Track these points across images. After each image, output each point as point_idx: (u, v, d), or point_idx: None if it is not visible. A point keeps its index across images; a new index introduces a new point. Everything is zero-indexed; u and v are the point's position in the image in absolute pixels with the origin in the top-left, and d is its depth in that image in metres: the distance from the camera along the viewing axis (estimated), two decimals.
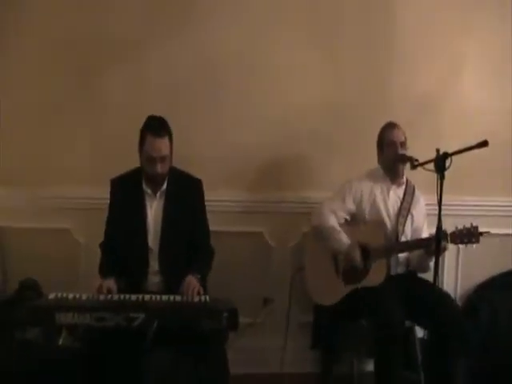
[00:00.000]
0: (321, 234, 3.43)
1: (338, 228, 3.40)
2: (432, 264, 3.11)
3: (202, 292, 2.97)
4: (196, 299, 2.88)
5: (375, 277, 3.31)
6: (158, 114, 3.16)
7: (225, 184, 3.82)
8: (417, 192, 3.56)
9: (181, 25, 3.78)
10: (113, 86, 3.78)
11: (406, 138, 3.48)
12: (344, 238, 3.36)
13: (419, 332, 3.50)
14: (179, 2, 3.79)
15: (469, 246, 3.24)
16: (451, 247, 3.30)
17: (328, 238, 3.40)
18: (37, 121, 3.77)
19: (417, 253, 3.41)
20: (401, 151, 3.42)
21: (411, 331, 3.46)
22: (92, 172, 3.75)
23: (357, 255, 3.32)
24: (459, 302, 3.91)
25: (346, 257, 3.34)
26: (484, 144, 2.90)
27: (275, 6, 3.83)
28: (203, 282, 3.11)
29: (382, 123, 3.57)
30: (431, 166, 2.98)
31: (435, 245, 2.98)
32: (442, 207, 2.90)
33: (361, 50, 3.93)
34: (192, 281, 3.01)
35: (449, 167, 2.91)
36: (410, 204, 3.51)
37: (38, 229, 3.74)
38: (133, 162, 3.19)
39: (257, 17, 3.82)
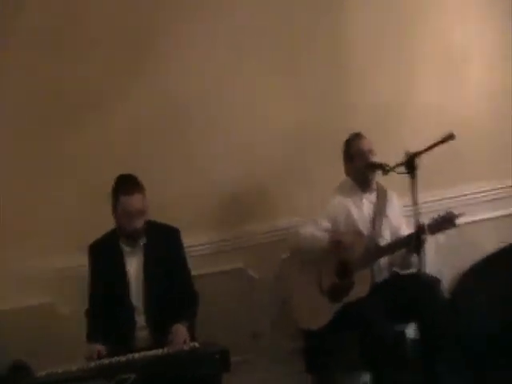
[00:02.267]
0: (301, 248, 3.42)
1: (314, 232, 3.37)
2: (414, 258, 3.15)
3: (187, 341, 2.96)
4: (186, 347, 2.85)
5: (361, 287, 3.29)
6: (125, 164, 3.28)
7: (197, 226, 3.79)
8: (389, 192, 3.57)
9: (140, 72, 3.78)
10: (76, 146, 3.71)
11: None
12: (322, 235, 3.34)
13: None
14: (136, 50, 3.78)
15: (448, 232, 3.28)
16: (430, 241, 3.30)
17: (308, 246, 3.37)
18: (7, 185, 3.64)
19: (398, 253, 3.40)
20: (370, 159, 3.43)
21: (402, 335, 3.45)
22: (68, 239, 3.66)
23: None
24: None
25: (335, 245, 3.30)
26: (450, 137, 2.96)
27: (233, 42, 3.86)
28: (191, 328, 3.11)
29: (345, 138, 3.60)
30: (402, 169, 3.02)
31: (415, 240, 3.03)
32: (417, 206, 2.95)
33: (317, 70, 3.98)
34: (179, 329, 3.01)
35: (419, 167, 2.96)
36: (384, 206, 3.52)
37: (20, 308, 3.64)
38: (107, 225, 3.22)
39: (231, 40, 3.86)
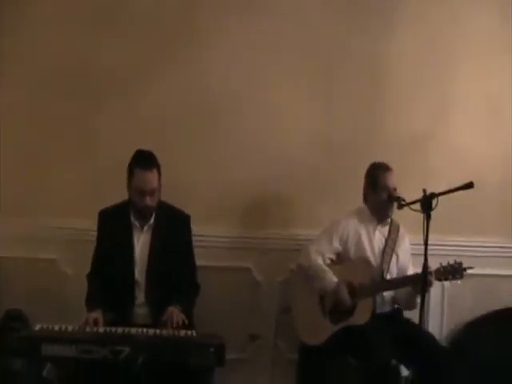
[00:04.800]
0: (308, 273, 3.45)
1: (325, 267, 3.42)
2: (418, 301, 3.14)
3: (186, 321, 2.97)
4: (182, 333, 2.86)
5: (361, 315, 3.31)
6: (150, 146, 3.20)
7: (213, 219, 3.83)
8: (401, 230, 3.58)
9: (174, 62, 3.83)
10: (103, 122, 3.79)
11: None
12: (331, 277, 3.37)
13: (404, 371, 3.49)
14: (173, 38, 3.83)
15: (453, 282, 3.29)
16: (436, 285, 3.33)
17: (315, 278, 3.41)
18: (26, 153, 3.77)
19: (403, 291, 3.42)
20: (393, 195, 3.42)
21: (396, 369, 3.43)
22: (80, 204, 3.73)
23: (344, 294, 3.33)
24: (444, 342, 3.92)
25: (334, 295, 3.35)
26: (470, 185, 2.95)
27: (269, 45, 3.88)
28: (188, 315, 3.10)
29: (371, 161, 3.59)
30: (418, 205, 3.02)
31: (421, 283, 3.02)
32: (428, 247, 2.94)
33: (351, 88, 3.97)
34: (174, 311, 3.02)
35: (435, 207, 2.95)
36: (395, 243, 3.53)
37: (24, 258, 3.72)
38: (121, 195, 3.22)
39: (250, 55, 3.88)
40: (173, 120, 3.84)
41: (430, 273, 3.16)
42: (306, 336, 3.47)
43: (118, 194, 3.24)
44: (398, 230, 3.57)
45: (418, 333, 3.13)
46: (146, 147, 3.23)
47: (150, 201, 3.11)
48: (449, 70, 4.06)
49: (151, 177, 3.10)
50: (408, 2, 3.98)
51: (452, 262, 3.26)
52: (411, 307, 3.45)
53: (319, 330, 3.39)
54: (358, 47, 3.96)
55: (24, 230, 3.71)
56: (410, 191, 3.24)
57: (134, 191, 3.12)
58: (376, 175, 3.53)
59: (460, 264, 3.25)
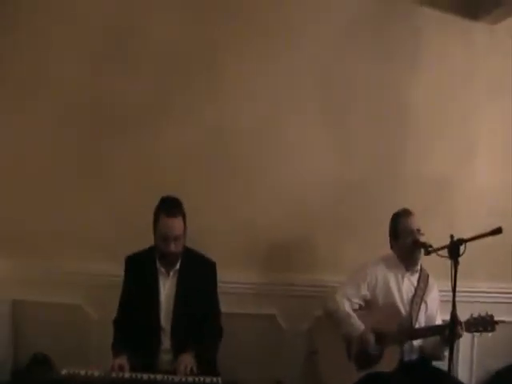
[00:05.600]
0: (335, 319, 3.41)
1: (352, 313, 3.39)
2: (447, 352, 3.08)
3: (194, 369, 2.95)
4: (208, 380, 2.84)
5: (388, 363, 3.28)
6: (170, 189, 3.24)
7: (236, 264, 3.82)
8: (431, 280, 3.55)
9: (194, 101, 3.87)
10: (125, 162, 3.85)
11: None
12: (358, 324, 3.34)
13: None
14: (190, 78, 3.87)
15: (484, 334, 3.23)
16: (465, 335, 3.25)
17: (342, 324, 3.38)
18: (52, 194, 3.83)
19: (431, 340, 3.37)
20: (417, 237, 3.41)
21: None
22: (106, 248, 3.76)
23: (371, 340, 3.29)
24: None
25: (360, 342, 3.31)
26: (498, 231, 2.93)
27: (288, 83, 3.91)
28: (213, 361, 3.13)
29: (396, 204, 3.59)
30: (445, 252, 3.00)
31: (449, 331, 2.97)
32: (456, 293, 2.90)
33: (373, 129, 3.96)
34: (185, 358, 3.01)
35: (463, 253, 2.93)
36: (424, 292, 3.49)
37: (50, 303, 3.74)
38: (147, 239, 3.23)
39: (270, 93, 3.91)
40: (194, 159, 3.87)
41: (460, 324, 3.12)
42: (332, 382, 3.42)
43: (143, 239, 3.25)
44: (427, 279, 3.53)
45: (448, 381, 3.06)
46: (167, 187, 3.29)
47: (174, 247, 3.13)
48: (473, 109, 4.04)
49: (176, 223, 3.12)
50: (430, 40, 3.98)
51: (483, 313, 3.23)
52: (439, 358, 3.41)
53: (345, 376, 3.34)
54: (379, 85, 3.96)
55: (49, 274, 3.74)
56: (433, 235, 3.24)
57: (159, 237, 3.15)
58: (395, 221, 3.54)
59: (491, 317, 3.21)
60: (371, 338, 3.30)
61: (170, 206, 3.16)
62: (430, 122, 4.00)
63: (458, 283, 2.90)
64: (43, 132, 3.84)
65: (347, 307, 3.40)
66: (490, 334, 3.24)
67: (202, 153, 3.88)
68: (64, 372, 2.82)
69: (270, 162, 3.93)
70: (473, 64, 4.01)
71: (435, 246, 3.17)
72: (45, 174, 3.84)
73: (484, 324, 3.20)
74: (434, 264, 3.27)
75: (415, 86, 3.98)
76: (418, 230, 3.44)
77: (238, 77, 3.89)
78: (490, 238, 2.98)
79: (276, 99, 3.92)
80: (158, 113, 3.86)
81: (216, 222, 3.86)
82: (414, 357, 3.42)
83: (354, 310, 3.42)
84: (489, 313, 3.22)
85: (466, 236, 2.97)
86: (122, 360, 2.97)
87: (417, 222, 3.47)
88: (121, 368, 2.91)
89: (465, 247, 2.93)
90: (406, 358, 3.37)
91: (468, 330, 3.20)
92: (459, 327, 3.09)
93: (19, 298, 3.78)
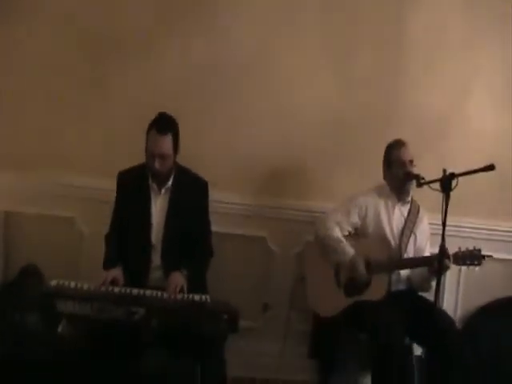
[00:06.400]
0: (325, 244, 3.42)
1: (343, 239, 3.39)
2: (434, 283, 3.10)
3: (184, 290, 2.97)
4: (197, 298, 2.88)
5: (376, 291, 3.31)
6: (169, 111, 3.16)
7: (230, 186, 3.81)
8: (421, 212, 3.56)
9: (195, 24, 3.77)
10: (127, 82, 3.77)
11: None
12: (348, 248, 3.35)
13: (417, 350, 3.50)
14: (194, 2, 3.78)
15: (471, 268, 3.26)
16: (453, 268, 3.28)
17: (331, 248, 3.39)
18: (50, 109, 3.75)
19: (419, 271, 3.41)
20: (409, 169, 3.41)
21: (409, 349, 3.45)
22: (102, 163, 3.72)
23: (361, 265, 3.31)
24: (458, 324, 3.87)
25: (350, 267, 3.33)
26: (490, 168, 2.90)
27: (288, 5, 3.82)
28: (202, 280, 3.15)
29: (389, 139, 3.56)
30: (437, 185, 2.99)
31: (437, 263, 2.99)
32: (446, 228, 2.91)
33: (373, 52, 3.91)
34: (176, 277, 3.02)
35: (454, 188, 2.92)
36: (414, 224, 3.51)
37: (43, 215, 3.73)
38: (141, 156, 3.19)
39: (270, 19, 3.81)
40: (194, 83, 3.80)
41: (448, 257, 3.13)
42: (320, 307, 3.48)
43: (138, 155, 3.20)
44: (417, 211, 3.54)
45: (433, 311, 3.10)
46: (167, 109, 3.18)
47: (158, 165, 3.07)
48: (472, 43, 3.96)
49: (163, 141, 3.05)
50: None
51: (471, 247, 3.24)
52: (426, 289, 3.45)
53: (333, 302, 3.39)
54: (380, 18, 3.88)
55: (42, 186, 3.71)
56: (427, 172, 3.21)
57: (146, 152, 3.10)
58: (389, 151, 3.53)
59: (479, 251, 3.23)
60: (361, 262, 3.31)
61: (162, 122, 3.10)
62: (428, 61, 3.93)
63: (448, 217, 2.90)
64: (38, 51, 3.73)
65: (337, 233, 3.40)
66: (476, 268, 3.27)
67: (204, 77, 3.80)
68: (53, 283, 2.83)
69: (271, 86, 3.85)
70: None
71: (428, 179, 3.16)
72: (42, 88, 3.74)
73: (471, 258, 3.22)
74: (426, 197, 3.26)
75: (416, 21, 3.91)
76: (411, 161, 3.43)
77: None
78: (483, 176, 2.97)
79: (277, 24, 3.81)
80: (160, 38, 3.76)
81: (214, 145, 3.83)
82: (402, 287, 3.46)
83: (344, 237, 3.42)
84: (477, 247, 3.24)
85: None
86: (117, 271, 3.00)
87: (410, 152, 3.46)
88: (115, 280, 2.93)
89: (457, 182, 2.92)
90: (394, 288, 3.40)
91: (456, 262, 3.22)
92: (447, 260, 3.11)
93: (12, 209, 3.75)
